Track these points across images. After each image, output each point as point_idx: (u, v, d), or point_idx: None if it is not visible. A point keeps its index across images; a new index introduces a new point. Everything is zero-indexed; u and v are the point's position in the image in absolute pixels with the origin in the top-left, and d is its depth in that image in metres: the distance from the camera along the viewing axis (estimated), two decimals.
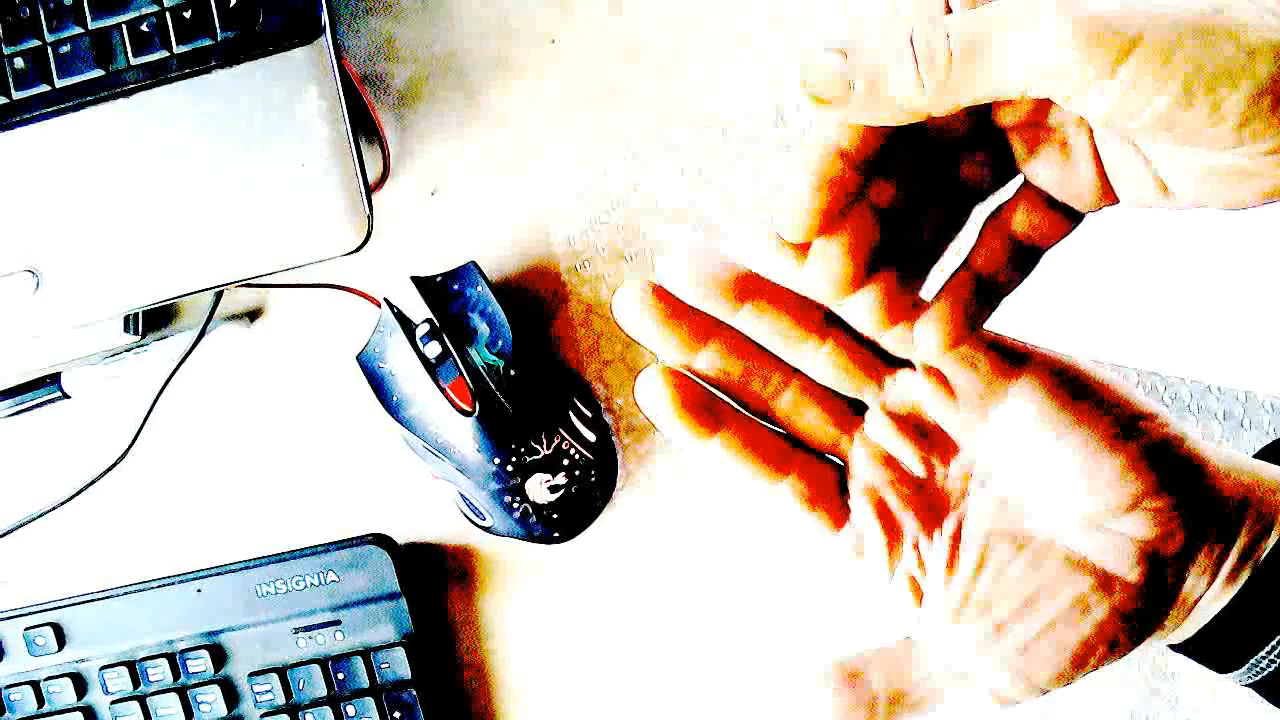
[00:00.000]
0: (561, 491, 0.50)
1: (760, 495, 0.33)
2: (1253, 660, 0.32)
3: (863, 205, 0.29)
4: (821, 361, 0.32)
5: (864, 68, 0.27)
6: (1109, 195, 0.29)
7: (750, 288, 0.31)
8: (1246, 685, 0.33)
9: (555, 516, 0.50)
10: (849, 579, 0.51)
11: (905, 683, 0.33)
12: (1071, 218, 0.30)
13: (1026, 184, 0.30)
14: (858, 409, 0.33)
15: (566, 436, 0.50)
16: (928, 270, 0.31)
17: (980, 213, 0.31)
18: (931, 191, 0.30)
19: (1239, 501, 0.31)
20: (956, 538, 0.32)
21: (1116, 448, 0.31)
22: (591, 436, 0.51)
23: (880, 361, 0.32)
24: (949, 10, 0.27)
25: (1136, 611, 0.31)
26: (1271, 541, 0.31)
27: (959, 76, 0.26)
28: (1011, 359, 0.32)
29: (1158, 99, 0.25)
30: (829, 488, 0.33)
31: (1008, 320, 0.34)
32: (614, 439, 0.53)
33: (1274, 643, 0.31)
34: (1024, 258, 0.30)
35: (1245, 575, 0.31)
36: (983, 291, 0.30)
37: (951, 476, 0.33)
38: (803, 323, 0.32)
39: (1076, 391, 0.31)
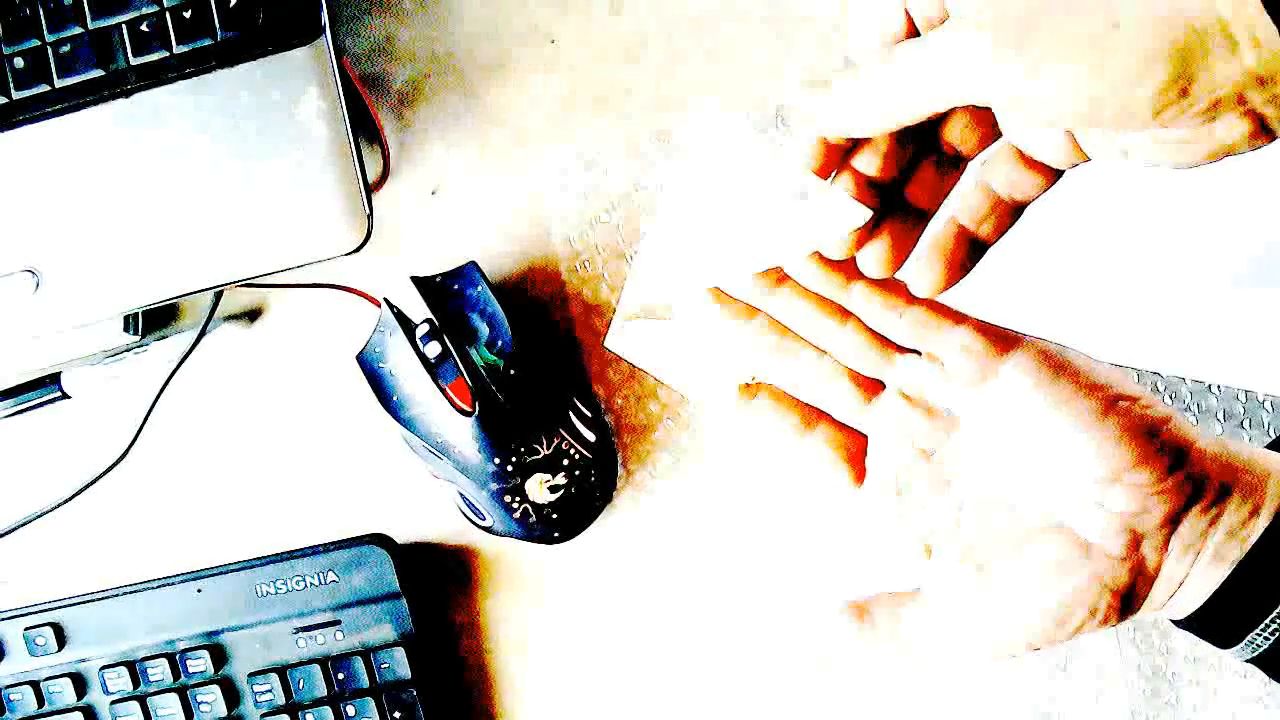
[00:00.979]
0: (561, 491, 0.50)
1: (791, 448, 0.38)
2: (1249, 637, 0.33)
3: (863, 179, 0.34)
4: (844, 340, 0.37)
5: (841, 94, 0.32)
6: (1080, 153, 0.32)
7: (782, 277, 0.38)
8: (1247, 661, 0.34)
9: (555, 516, 0.50)
10: (847, 576, 0.51)
11: (906, 622, 0.36)
12: (1049, 174, 0.33)
13: (1007, 143, 0.34)
14: (876, 390, 0.37)
15: (566, 436, 0.50)
16: (923, 224, 0.35)
17: (968, 171, 0.35)
18: (922, 155, 0.35)
19: (1223, 482, 0.33)
20: (962, 504, 0.35)
21: (1099, 424, 0.33)
22: (591, 436, 0.51)
23: (893, 346, 0.36)
24: (911, 30, 0.32)
25: (1115, 580, 0.33)
26: (1260, 522, 0.33)
27: (909, 96, 0.31)
28: (1002, 342, 0.35)
29: (1074, 105, 0.28)
30: (854, 446, 0.37)
31: (1011, 320, 0.36)
32: (614, 439, 0.53)
33: (1269, 619, 0.33)
34: (1005, 212, 0.34)
35: (1234, 555, 0.33)
36: (969, 242, 0.35)
37: (957, 447, 0.35)
38: (825, 306, 0.37)
39: (1063, 371, 0.34)
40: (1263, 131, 0.29)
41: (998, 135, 0.34)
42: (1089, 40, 0.28)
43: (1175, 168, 0.30)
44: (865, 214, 0.34)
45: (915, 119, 0.32)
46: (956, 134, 0.34)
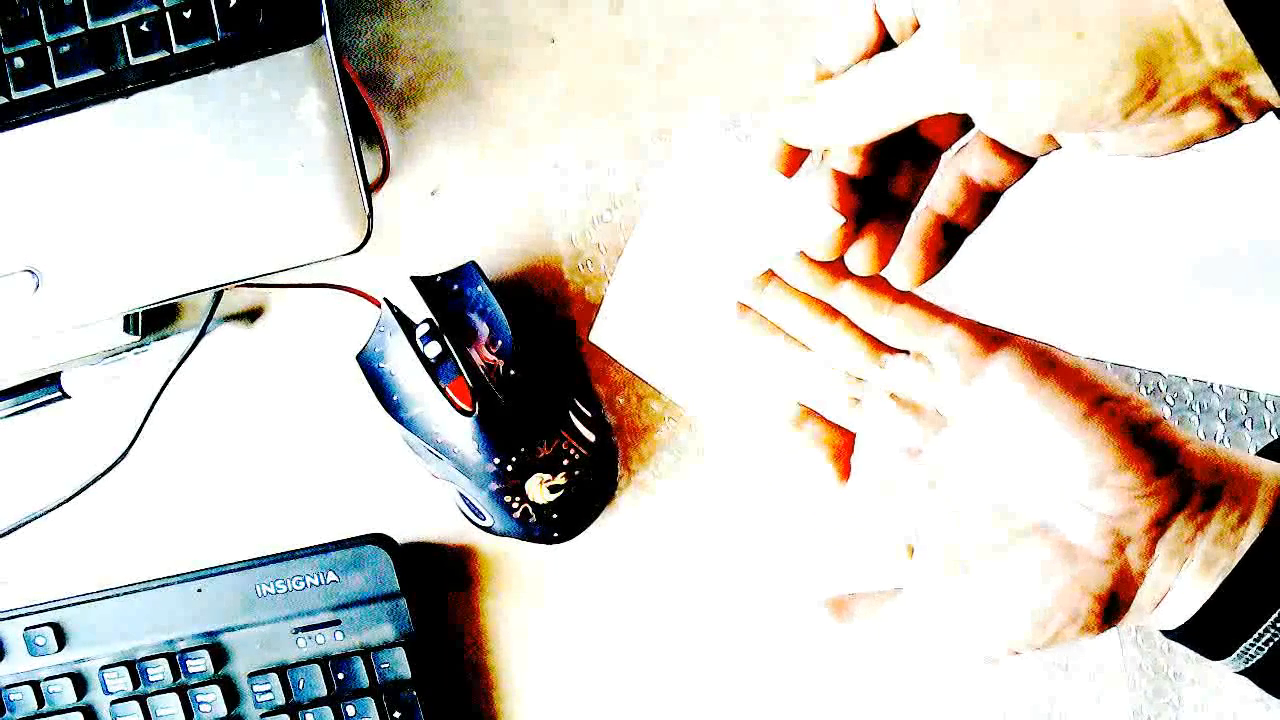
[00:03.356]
0: (561, 491, 0.50)
1: (781, 440, 0.38)
2: (1242, 648, 0.33)
3: (845, 180, 0.35)
4: (833, 338, 0.37)
5: (823, 105, 0.33)
6: (1051, 141, 0.32)
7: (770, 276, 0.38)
8: (1239, 673, 0.34)
9: (555, 516, 0.50)
10: (839, 574, 0.51)
11: (885, 619, 0.36)
12: (1023, 162, 0.34)
13: (980, 133, 0.34)
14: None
15: (566, 436, 0.50)
16: (905, 216, 0.36)
17: (944, 160, 0.36)
18: (900, 149, 0.35)
19: (1211, 487, 0.32)
20: (947, 504, 0.35)
21: (1086, 424, 0.33)
22: (591, 436, 0.51)
23: (882, 346, 0.36)
24: (881, 39, 0.32)
25: (1098, 585, 0.33)
26: (1249, 530, 0.32)
27: (888, 107, 0.32)
28: (991, 341, 0.35)
29: (1047, 113, 0.29)
30: (841, 444, 0.38)
31: (1008, 321, 0.36)
32: (614, 439, 0.53)
33: (1261, 630, 0.32)
34: (982, 200, 0.35)
35: (1223, 562, 0.32)
36: (947, 232, 0.35)
37: (944, 447, 0.35)
38: (814, 305, 0.37)
39: (1051, 370, 0.34)
40: (1229, 121, 0.29)
41: (972, 124, 0.34)
42: (1057, 52, 0.28)
43: (1147, 156, 0.31)
44: (837, 220, 0.35)
45: (894, 129, 0.32)
46: (933, 128, 0.34)
